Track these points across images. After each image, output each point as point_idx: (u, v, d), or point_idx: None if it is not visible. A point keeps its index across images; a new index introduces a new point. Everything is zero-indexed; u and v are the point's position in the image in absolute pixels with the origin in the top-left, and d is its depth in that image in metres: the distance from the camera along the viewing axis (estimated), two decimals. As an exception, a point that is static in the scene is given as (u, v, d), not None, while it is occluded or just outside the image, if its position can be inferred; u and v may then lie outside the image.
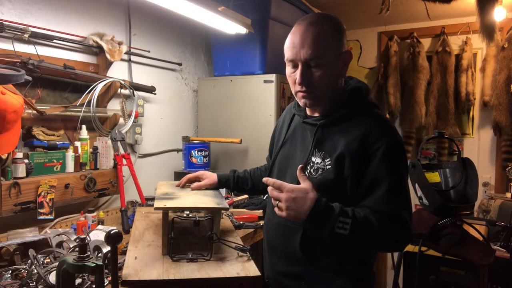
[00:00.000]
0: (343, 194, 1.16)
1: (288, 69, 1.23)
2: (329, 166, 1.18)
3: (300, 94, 1.21)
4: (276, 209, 1.12)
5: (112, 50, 2.05)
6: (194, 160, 2.46)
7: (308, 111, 1.31)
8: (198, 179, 1.61)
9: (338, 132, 1.20)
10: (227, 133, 2.64)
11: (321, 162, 1.20)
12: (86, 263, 1.01)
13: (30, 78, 1.59)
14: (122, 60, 2.25)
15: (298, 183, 1.15)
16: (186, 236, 1.43)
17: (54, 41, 1.88)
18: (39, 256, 1.43)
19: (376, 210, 1.11)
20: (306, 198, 1.08)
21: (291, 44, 1.19)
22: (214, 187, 1.59)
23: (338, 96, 1.24)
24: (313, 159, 1.22)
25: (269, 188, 1.13)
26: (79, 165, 1.91)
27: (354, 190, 1.16)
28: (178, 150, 2.74)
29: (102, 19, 2.18)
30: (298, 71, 1.18)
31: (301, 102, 1.24)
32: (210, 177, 1.60)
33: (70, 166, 1.86)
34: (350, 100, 1.23)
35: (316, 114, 1.28)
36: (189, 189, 1.58)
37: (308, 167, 1.22)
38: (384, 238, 1.13)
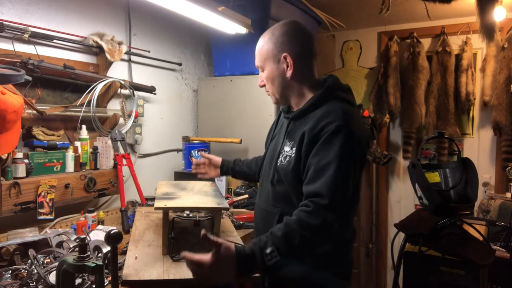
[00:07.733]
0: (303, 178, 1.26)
1: None
2: (294, 154, 1.30)
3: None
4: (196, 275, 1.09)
5: (112, 50, 2.05)
6: (194, 160, 2.45)
7: (292, 107, 1.45)
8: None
9: (305, 122, 1.32)
10: (227, 133, 2.64)
11: (289, 151, 1.33)
12: (86, 263, 1.01)
13: (30, 78, 1.58)
14: (122, 60, 2.25)
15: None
16: (186, 236, 1.43)
17: (54, 41, 1.88)
18: (39, 256, 1.43)
19: (304, 193, 1.21)
20: (227, 263, 1.05)
21: None
22: (219, 166, 1.80)
23: (311, 92, 1.36)
24: (285, 148, 1.36)
25: (187, 262, 1.08)
26: (79, 165, 1.91)
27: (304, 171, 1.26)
28: (178, 150, 2.74)
29: (102, 19, 2.18)
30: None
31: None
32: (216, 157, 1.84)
33: (70, 166, 1.86)
34: (319, 93, 1.35)
35: (295, 109, 1.42)
36: (189, 189, 1.59)
37: (281, 156, 1.36)
38: (307, 233, 1.13)
